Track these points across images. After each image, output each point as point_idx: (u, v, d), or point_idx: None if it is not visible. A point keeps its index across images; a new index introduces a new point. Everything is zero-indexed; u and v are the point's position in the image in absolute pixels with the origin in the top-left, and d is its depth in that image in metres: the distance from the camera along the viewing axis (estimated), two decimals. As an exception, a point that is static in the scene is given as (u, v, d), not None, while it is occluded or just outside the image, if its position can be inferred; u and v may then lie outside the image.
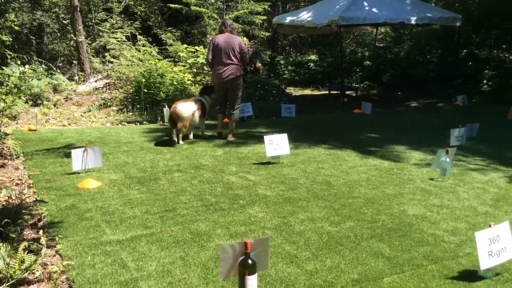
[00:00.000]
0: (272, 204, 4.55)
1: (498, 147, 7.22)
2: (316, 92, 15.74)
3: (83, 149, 5.33)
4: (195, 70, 11.76)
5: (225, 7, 13.84)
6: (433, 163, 5.57)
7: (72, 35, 13.68)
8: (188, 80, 11.16)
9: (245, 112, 9.38)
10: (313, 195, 4.80)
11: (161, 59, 11.55)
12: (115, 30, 14.73)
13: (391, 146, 7.19)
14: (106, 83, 12.12)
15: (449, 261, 3.39)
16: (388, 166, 6.01)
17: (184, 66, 11.68)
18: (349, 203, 4.59)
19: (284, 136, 6.04)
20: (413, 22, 11.32)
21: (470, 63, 14.18)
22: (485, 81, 12.95)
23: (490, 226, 3.18)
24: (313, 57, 17.29)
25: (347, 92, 14.61)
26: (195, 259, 3.35)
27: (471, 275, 3.19)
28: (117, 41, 13.22)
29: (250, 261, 2.83)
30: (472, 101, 12.51)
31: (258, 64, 13.94)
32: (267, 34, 15.45)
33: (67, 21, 15.73)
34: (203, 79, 11.64)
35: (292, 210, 4.39)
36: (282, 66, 17.22)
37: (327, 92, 15.03)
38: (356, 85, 16.04)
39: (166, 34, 13.46)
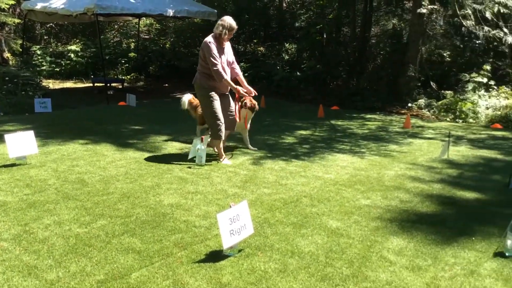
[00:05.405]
0: (12, 211, 3.99)
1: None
2: (80, 85, 14.77)
3: None
4: None
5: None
6: (190, 152, 5.74)
7: None
8: None
9: (-12, 109, 8.17)
10: (63, 196, 4.40)
11: None
12: None
13: (153, 137, 7.18)
14: None
15: (198, 245, 3.49)
16: (148, 158, 5.95)
17: None
18: (103, 200, 4.35)
19: (30, 133, 5.40)
20: (171, 14, 11.54)
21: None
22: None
23: (230, 207, 3.37)
24: (74, 47, 16.14)
25: (113, 84, 14.12)
26: None
27: (217, 255, 3.33)
28: None
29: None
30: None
31: (7, 55, 12.34)
32: (18, 21, 13.71)
33: None
34: None
35: (37, 215, 3.93)
36: (40, 57, 15.61)
37: (91, 84, 14.22)
38: (122, 77, 15.62)
39: None
